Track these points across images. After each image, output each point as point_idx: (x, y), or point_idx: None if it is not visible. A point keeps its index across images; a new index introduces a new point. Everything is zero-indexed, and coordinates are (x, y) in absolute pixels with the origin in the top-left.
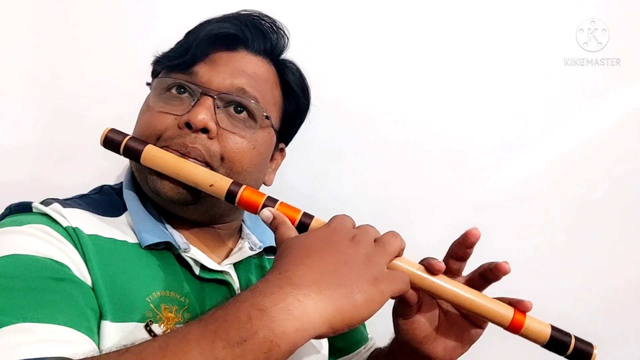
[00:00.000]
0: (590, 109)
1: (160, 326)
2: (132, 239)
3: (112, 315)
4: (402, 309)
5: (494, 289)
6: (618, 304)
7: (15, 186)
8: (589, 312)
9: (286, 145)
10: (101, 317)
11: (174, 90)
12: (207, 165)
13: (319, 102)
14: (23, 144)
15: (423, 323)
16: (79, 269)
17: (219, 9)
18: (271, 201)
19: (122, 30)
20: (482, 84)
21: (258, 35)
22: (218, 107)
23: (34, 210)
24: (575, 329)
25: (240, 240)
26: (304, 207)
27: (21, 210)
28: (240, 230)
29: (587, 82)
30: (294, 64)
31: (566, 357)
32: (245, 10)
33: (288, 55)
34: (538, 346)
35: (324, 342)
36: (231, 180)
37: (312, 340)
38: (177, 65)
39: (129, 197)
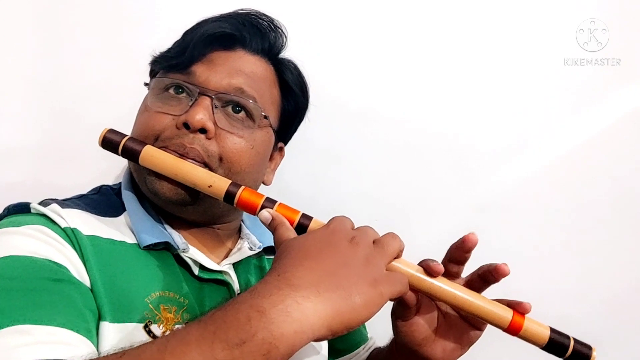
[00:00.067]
0: (590, 109)
1: (159, 327)
2: (130, 239)
3: (111, 316)
4: (401, 311)
5: (494, 290)
6: (618, 304)
7: (15, 186)
8: (589, 313)
9: (285, 144)
10: (100, 318)
11: (171, 91)
12: (206, 165)
13: (318, 102)
14: (23, 144)
15: (422, 325)
16: (78, 270)
17: (218, 9)
18: (270, 202)
19: (122, 30)
20: (482, 84)
21: (256, 34)
22: (216, 107)
23: (32, 211)
24: (575, 329)
25: (239, 241)
26: (303, 208)
27: (19, 211)
28: (240, 230)
29: (587, 82)
30: (292, 63)
31: (565, 359)
32: (243, 9)
33: (287, 54)
34: (537, 348)
35: (324, 342)
36: (230, 181)
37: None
38: (175, 65)
39: (128, 197)
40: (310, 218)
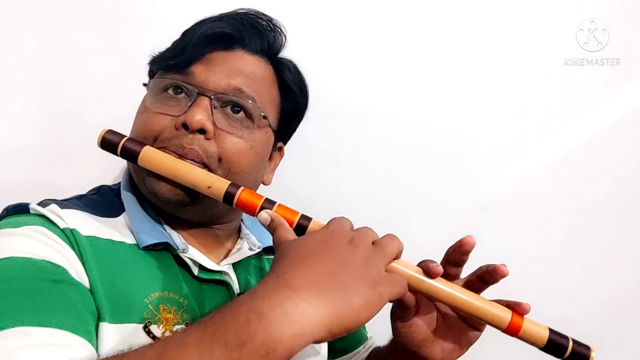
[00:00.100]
0: (590, 109)
1: (159, 327)
2: (130, 239)
3: (111, 316)
4: (400, 312)
5: (493, 290)
6: (618, 304)
7: (15, 186)
8: (589, 313)
9: (284, 144)
10: (99, 318)
11: (170, 91)
12: (205, 166)
13: (318, 102)
14: (23, 144)
15: (421, 326)
16: (77, 271)
17: (218, 9)
18: (269, 203)
19: (122, 30)
20: (482, 84)
21: (255, 34)
22: (215, 108)
23: (31, 211)
24: (575, 329)
25: (239, 241)
26: (303, 208)
27: (18, 211)
28: (239, 230)
29: (587, 82)
30: (291, 63)
31: (564, 359)
32: (241, 9)
33: (287, 54)
34: (536, 349)
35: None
36: (229, 182)
37: None
38: (174, 65)
39: (127, 198)
40: (309, 219)
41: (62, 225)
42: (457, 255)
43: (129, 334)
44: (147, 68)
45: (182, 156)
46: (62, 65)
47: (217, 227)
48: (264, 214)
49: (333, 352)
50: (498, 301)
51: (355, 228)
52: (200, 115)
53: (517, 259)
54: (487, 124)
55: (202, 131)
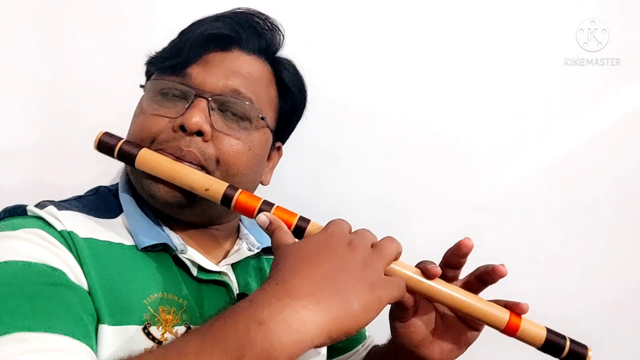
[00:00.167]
0: (590, 109)
1: (158, 328)
2: (128, 241)
3: (110, 318)
4: (399, 313)
5: (494, 290)
6: (618, 304)
7: (15, 187)
8: (589, 313)
9: (283, 143)
10: (99, 321)
11: (167, 93)
12: (203, 168)
13: (318, 103)
14: (23, 144)
15: (420, 326)
16: (75, 274)
17: (219, 9)
18: (267, 205)
19: (122, 30)
20: (482, 84)
21: (252, 34)
22: (212, 109)
23: (28, 213)
24: (575, 329)
25: (238, 241)
26: (303, 208)
27: (16, 213)
28: (238, 230)
29: (587, 82)
30: (289, 62)
31: (561, 359)
32: (239, 9)
33: (287, 54)
34: (533, 348)
35: None
36: (227, 184)
37: None
38: (171, 66)
39: (125, 199)
40: (307, 221)
41: (59, 227)
42: (455, 257)
43: (128, 335)
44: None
45: (179, 158)
46: (62, 65)
47: (216, 227)
48: (262, 217)
49: (332, 351)
50: (496, 301)
51: (354, 230)
52: (197, 117)
53: (517, 259)
54: (487, 124)
55: (199, 133)
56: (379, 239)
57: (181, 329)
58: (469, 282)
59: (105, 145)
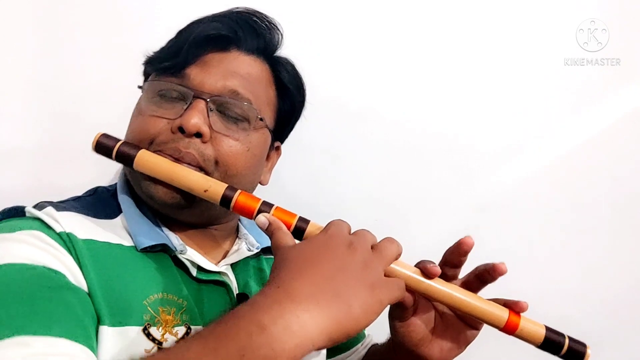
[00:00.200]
0: (590, 109)
1: (158, 329)
2: (127, 242)
3: (110, 320)
4: (399, 312)
5: (494, 290)
6: (618, 304)
7: (15, 187)
8: (589, 313)
9: (282, 143)
10: (99, 322)
11: (165, 94)
12: (202, 169)
13: (318, 103)
14: (23, 145)
15: (419, 325)
16: (74, 275)
17: (219, 9)
18: (266, 206)
19: (122, 30)
20: (482, 84)
21: (250, 33)
22: (211, 110)
23: (27, 214)
24: (575, 329)
25: (237, 241)
26: (303, 209)
27: (14, 214)
28: (237, 230)
29: (587, 82)
30: (288, 61)
31: (560, 357)
32: (237, 8)
33: (288, 55)
34: (533, 346)
35: None
36: (226, 185)
37: None
38: (169, 67)
39: (124, 200)
40: (307, 221)
41: (58, 229)
42: (455, 256)
43: (128, 336)
44: None
45: (178, 160)
46: (62, 66)
47: (215, 227)
48: (262, 218)
49: (332, 350)
50: (495, 300)
51: (353, 230)
52: (196, 118)
53: (517, 259)
54: (487, 124)
55: (198, 135)
56: (378, 239)
57: (181, 330)
58: (468, 281)
59: (103, 146)
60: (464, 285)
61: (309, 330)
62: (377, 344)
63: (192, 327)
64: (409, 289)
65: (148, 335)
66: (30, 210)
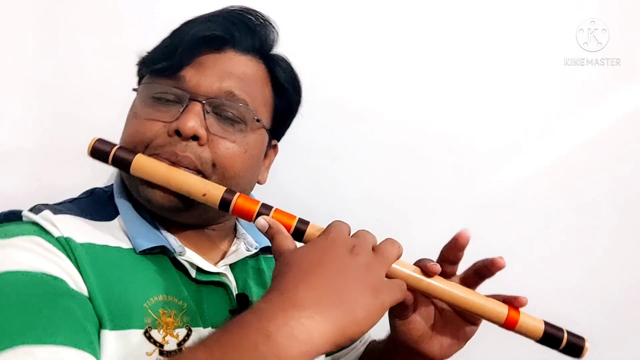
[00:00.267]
0: (590, 109)
1: (159, 332)
2: (126, 244)
3: (111, 323)
4: (399, 310)
5: (494, 290)
6: (618, 304)
7: (15, 188)
8: (589, 313)
9: (278, 141)
10: (100, 326)
11: (161, 97)
12: (199, 172)
13: (318, 103)
14: (23, 145)
15: (419, 322)
16: (74, 281)
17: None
18: (266, 208)
19: (122, 30)
20: (481, 84)
21: (245, 33)
22: (207, 112)
23: (24, 219)
24: (575, 329)
25: (235, 240)
26: (302, 209)
27: (11, 219)
28: (235, 229)
29: (587, 82)
30: (284, 60)
31: (559, 351)
32: (232, 7)
33: (286, 53)
34: (532, 341)
35: None
36: (224, 188)
37: None
38: (163, 69)
39: (121, 203)
40: (307, 223)
41: (56, 233)
42: (452, 252)
43: (129, 340)
44: None
45: (175, 163)
46: (62, 66)
47: (212, 228)
48: (262, 221)
49: None
50: (494, 296)
51: (354, 231)
52: (193, 121)
53: (516, 259)
54: (487, 124)
55: (195, 138)
56: (379, 239)
57: (182, 332)
58: (466, 277)
59: (99, 152)
60: (463, 282)
61: (314, 336)
62: (376, 340)
63: (192, 328)
64: (410, 288)
65: (149, 338)
66: (27, 214)
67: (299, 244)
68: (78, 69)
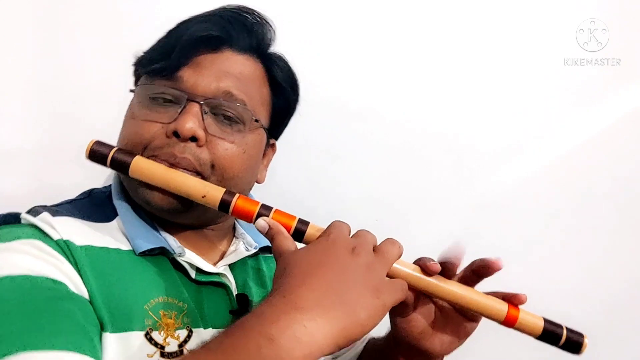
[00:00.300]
0: (590, 109)
1: (160, 333)
2: (125, 246)
3: (112, 326)
4: (399, 308)
5: (495, 289)
6: (618, 304)
7: (15, 188)
8: (589, 313)
9: (277, 139)
10: (102, 329)
11: (158, 98)
12: (198, 174)
13: (318, 103)
14: (23, 145)
15: (419, 320)
16: (75, 284)
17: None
18: (265, 209)
19: (122, 30)
20: (482, 84)
21: (242, 32)
22: (205, 113)
23: (22, 221)
24: (576, 329)
25: (234, 240)
26: (302, 210)
27: (9, 221)
28: (234, 228)
29: (587, 82)
30: (281, 58)
31: (559, 347)
32: (228, 6)
33: (286, 53)
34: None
35: None
36: (224, 190)
37: None
38: (160, 69)
39: (120, 204)
40: (307, 223)
41: (55, 236)
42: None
43: (131, 342)
44: None
45: (174, 165)
46: (62, 66)
47: (211, 228)
48: (262, 222)
49: None
50: (494, 293)
51: (354, 231)
52: (191, 123)
53: (516, 258)
54: (487, 124)
55: (193, 139)
56: (379, 239)
57: (183, 333)
58: (465, 276)
59: (97, 154)
60: (461, 280)
61: (317, 339)
62: (375, 338)
63: (193, 329)
64: (410, 286)
65: (150, 340)
66: (25, 216)
67: (299, 245)
68: (78, 69)
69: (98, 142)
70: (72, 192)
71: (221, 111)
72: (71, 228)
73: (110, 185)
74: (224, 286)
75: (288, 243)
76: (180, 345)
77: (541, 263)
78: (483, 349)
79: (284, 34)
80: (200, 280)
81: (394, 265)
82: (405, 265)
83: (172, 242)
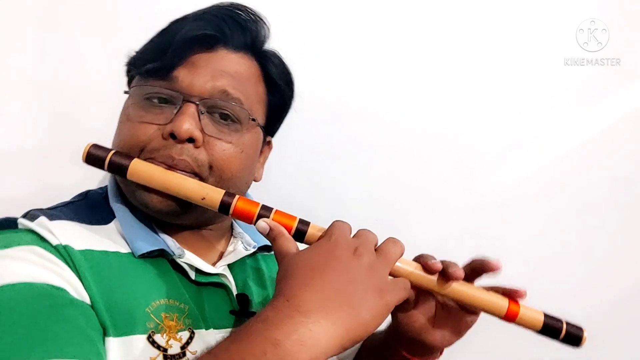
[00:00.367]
0: (590, 109)
1: (162, 336)
2: (124, 248)
3: (114, 330)
4: (401, 305)
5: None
6: (618, 304)
7: (15, 189)
8: (589, 313)
9: (272, 136)
10: (104, 334)
11: (154, 99)
12: (196, 175)
13: (318, 102)
14: (23, 146)
15: (420, 315)
16: (76, 289)
17: None
18: (266, 210)
19: (122, 31)
20: (482, 84)
21: (236, 30)
22: (202, 113)
23: (19, 226)
24: None
25: (233, 240)
26: (302, 210)
27: (6, 227)
28: (232, 228)
29: (587, 82)
30: (276, 55)
31: (559, 341)
32: (221, 3)
33: (284, 52)
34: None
35: None
36: (223, 191)
37: None
38: (155, 70)
39: (117, 207)
40: (307, 223)
41: (54, 241)
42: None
43: (133, 345)
44: None
45: (171, 167)
46: (62, 66)
47: (209, 228)
48: (262, 223)
49: None
50: (494, 288)
51: (355, 231)
52: (188, 124)
53: (516, 258)
54: (487, 124)
55: (191, 140)
56: (379, 239)
57: (185, 335)
58: (464, 273)
59: (95, 158)
60: None
61: (322, 341)
62: (375, 332)
63: (195, 331)
64: (412, 284)
65: (153, 342)
66: (23, 222)
67: (300, 245)
68: (78, 69)
69: (95, 146)
70: (72, 193)
71: (218, 111)
72: (69, 232)
73: (106, 186)
74: (224, 287)
75: (290, 245)
76: (183, 347)
77: (541, 263)
78: (483, 344)
79: (283, 34)
80: (200, 281)
81: (397, 265)
82: (407, 264)
83: (171, 243)
